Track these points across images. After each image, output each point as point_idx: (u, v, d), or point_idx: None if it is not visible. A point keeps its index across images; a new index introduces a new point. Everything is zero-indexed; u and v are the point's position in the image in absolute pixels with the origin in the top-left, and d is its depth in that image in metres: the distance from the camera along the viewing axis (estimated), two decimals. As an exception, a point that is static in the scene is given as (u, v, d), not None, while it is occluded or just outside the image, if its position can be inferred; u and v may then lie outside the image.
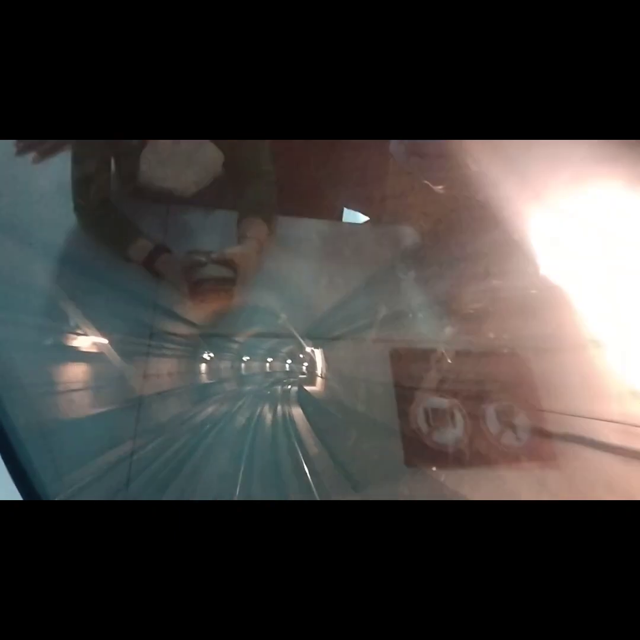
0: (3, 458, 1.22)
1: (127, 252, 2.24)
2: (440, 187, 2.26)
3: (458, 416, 2.34)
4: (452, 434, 2.30)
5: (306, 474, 3.73)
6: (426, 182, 2.23)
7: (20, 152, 2.24)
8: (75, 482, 2.08)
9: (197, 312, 2.41)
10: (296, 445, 5.51)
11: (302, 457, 4.87)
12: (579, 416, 2.21)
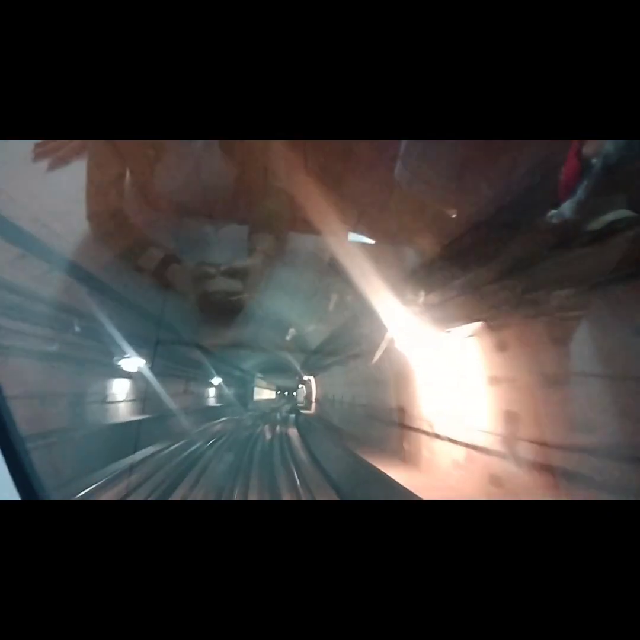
0: (8, 466, 1.22)
1: (138, 261, 2.26)
2: (450, 210, 2.28)
3: (458, 442, 2.34)
4: (452, 459, 2.30)
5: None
6: (436, 206, 2.25)
7: (38, 158, 2.28)
8: (76, 492, 2.08)
9: (204, 324, 2.42)
10: (294, 472, 5.24)
11: (299, 485, 4.72)
12: (581, 451, 2.16)
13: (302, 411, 10.72)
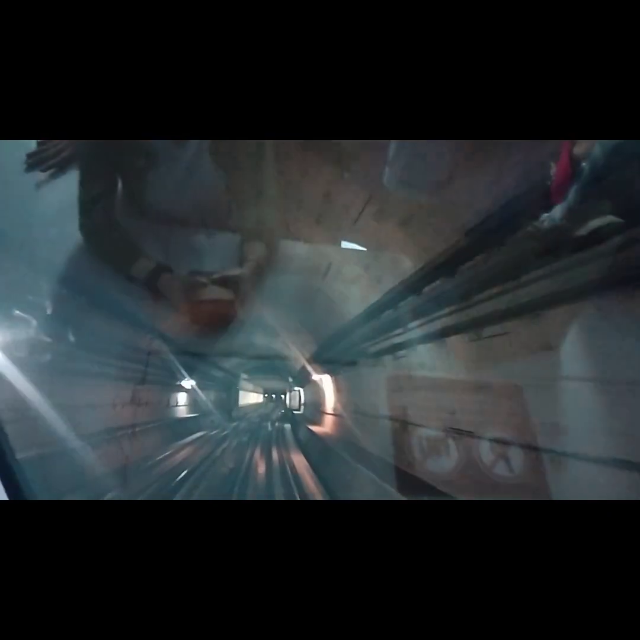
0: (1, 478, 1.22)
1: (130, 271, 2.26)
2: (435, 218, 2.30)
3: (452, 445, 2.34)
4: (446, 462, 2.30)
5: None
6: (421, 212, 2.27)
7: (30, 168, 2.29)
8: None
9: (196, 332, 2.42)
10: (290, 478, 5.11)
11: (295, 490, 4.66)
12: (573, 457, 2.17)
13: (309, 427, 7.73)
